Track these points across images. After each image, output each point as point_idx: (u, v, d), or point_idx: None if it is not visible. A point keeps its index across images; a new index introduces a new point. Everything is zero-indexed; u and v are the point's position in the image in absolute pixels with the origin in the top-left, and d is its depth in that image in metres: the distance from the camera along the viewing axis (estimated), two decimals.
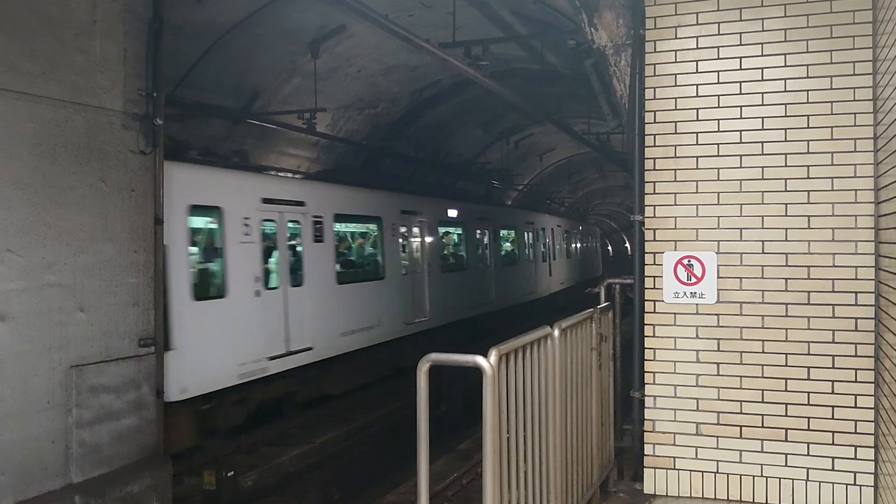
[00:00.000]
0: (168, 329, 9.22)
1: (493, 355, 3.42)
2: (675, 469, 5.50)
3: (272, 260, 11.78)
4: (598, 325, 5.46)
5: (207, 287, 10.54)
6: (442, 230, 18.64)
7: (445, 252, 19.08)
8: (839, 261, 5.13)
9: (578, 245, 35.13)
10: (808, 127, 5.19)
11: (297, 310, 12.15)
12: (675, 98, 5.51)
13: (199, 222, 10.55)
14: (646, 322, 5.59)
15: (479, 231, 20.79)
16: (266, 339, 11.36)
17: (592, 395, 5.31)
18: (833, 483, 5.14)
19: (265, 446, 11.67)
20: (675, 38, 5.51)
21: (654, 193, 5.56)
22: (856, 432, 5.09)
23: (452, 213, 18.95)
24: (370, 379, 14.75)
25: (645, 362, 5.59)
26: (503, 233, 22.85)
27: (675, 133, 5.50)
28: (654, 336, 5.55)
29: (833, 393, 5.14)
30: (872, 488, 5.04)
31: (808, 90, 5.20)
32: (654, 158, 5.56)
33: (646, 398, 5.59)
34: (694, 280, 5.42)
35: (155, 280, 7.64)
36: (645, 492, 5.58)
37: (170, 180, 8.73)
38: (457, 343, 17.50)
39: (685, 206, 5.47)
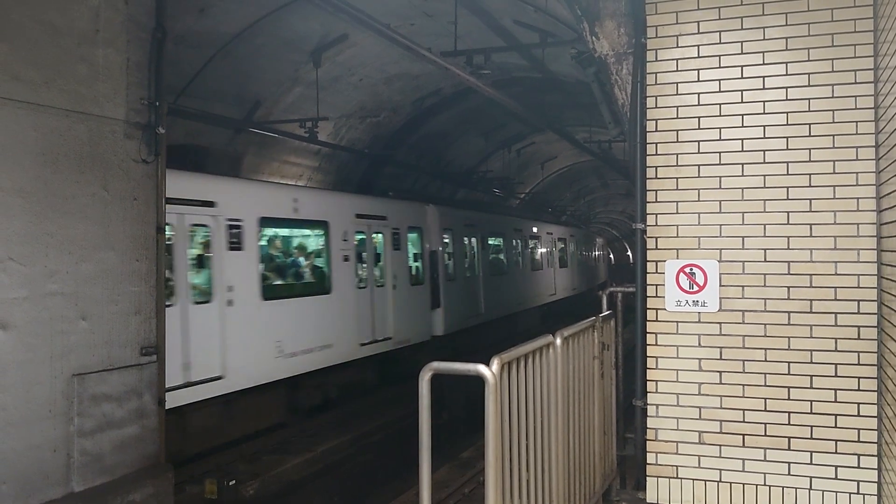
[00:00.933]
0: (439, 296, 18.10)
1: (495, 364, 3.42)
2: (677, 478, 5.49)
3: (467, 259, 20.58)
4: (600, 334, 5.46)
5: (449, 273, 19.05)
6: (531, 242, 26.89)
7: (533, 256, 27.24)
8: (841, 269, 5.13)
9: (594, 253, 42.66)
10: (810, 135, 5.20)
11: (477, 288, 21.02)
12: (677, 107, 5.51)
13: (446, 238, 19.03)
14: (648, 330, 5.58)
15: (550, 242, 29.52)
16: (471, 304, 20.40)
17: (595, 404, 5.31)
18: (836, 492, 5.12)
19: (267, 455, 11.66)
20: (677, 46, 5.52)
21: (656, 202, 5.56)
22: (859, 441, 5.07)
23: (534, 228, 27.49)
24: (519, 330, 23.55)
25: (647, 371, 5.58)
26: (559, 243, 31.48)
27: (677, 141, 5.51)
28: (656, 344, 5.54)
29: (836, 401, 5.13)
30: (876, 497, 5.02)
31: (809, 98, 5.20)
32: (656, 167, 5.57)
33: (648, 407, 5.58)
34: (696, 288, 5.42)
35: (157, 288, 7.63)
36: (648, 501, 5.56)
37: (433, 216, 18.24)
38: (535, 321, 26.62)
39: (687, 214, 5.47)
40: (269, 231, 12.71)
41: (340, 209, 14.43)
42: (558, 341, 4.37)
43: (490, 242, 22.81)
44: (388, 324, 15.67)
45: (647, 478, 5.58)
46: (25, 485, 6.39)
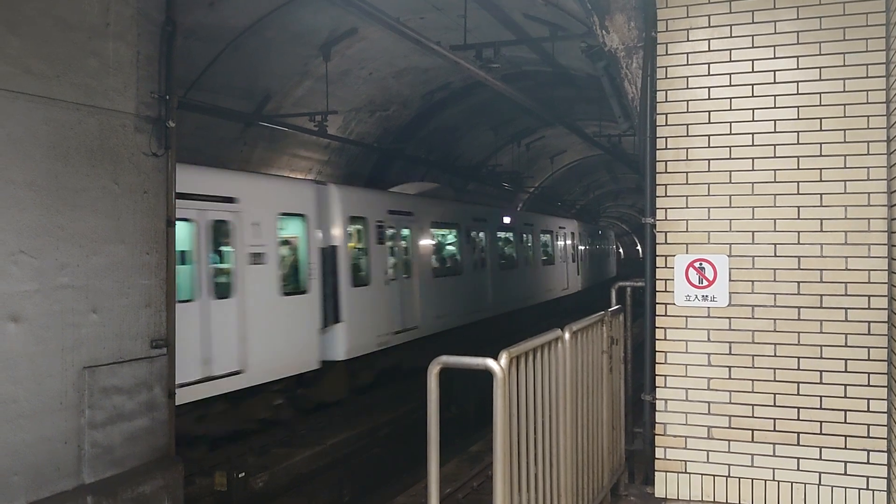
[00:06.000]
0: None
1: (504, 358, 3.42)
2: (686, 473, 5.48)
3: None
4: (609, 328, 5.45)
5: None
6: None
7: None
8: (852, 264, 5.11)
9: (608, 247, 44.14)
10: (821, 129, 5.17)
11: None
12: (687, 101, 5.49)
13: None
14: (657, 325, 5.57)
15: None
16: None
17: (603, 398, 5.31)
18: (845, 487, 5.11)
19: (276, 447, 11.70)
20: (687, 40, 5.50)
21: (666, 196, 5.55)
22: (868, 436, 5.06)
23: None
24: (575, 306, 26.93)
25: (656, 365, 5.57)
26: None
27: (687, 136, 5.49)
28: (665, 339, 5.54)
29: (846, 397, 5.11)
30: (885, 493, 5.01)
31: (820, 93, 5.18)
32: (666, 161, 5.55)
33: (657, 401, 5.57)
34: (706, 283, 5.41)
35: (167, 282, 7.66)
36: (656, 495, 5.56)
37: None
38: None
39: (697, 208, 5.45)
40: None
41: None
42: (567, 335, 4.37)
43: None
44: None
45: (656, 472, 5.58)
46: (37, 476, 6.44)
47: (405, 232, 16.19)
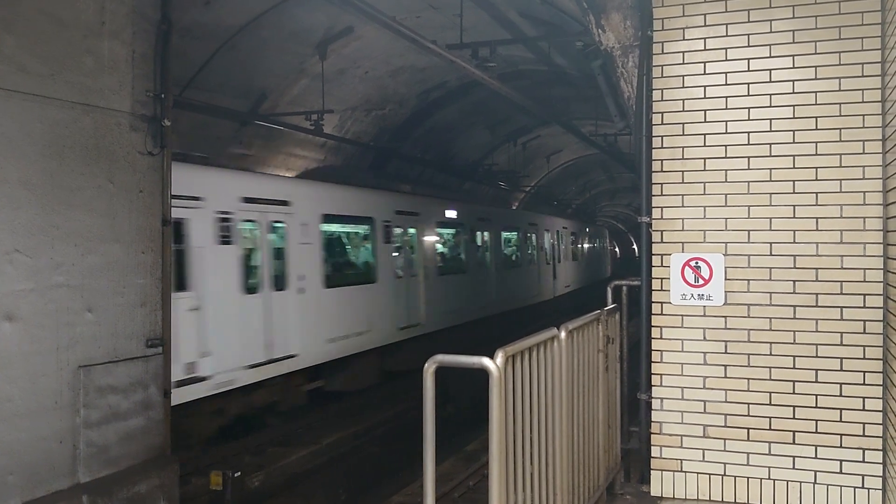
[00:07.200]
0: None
1: (500, 357, 3.42)
2: (682, 471, 5.49)
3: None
4: (605, 327, 5.45)
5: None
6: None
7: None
8: (847, 263, 5.11)
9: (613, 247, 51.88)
10: (817, 128, 5.17)
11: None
12: (683, 100, 5.49)
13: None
14: (653, 324, 5.57)
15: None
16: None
17: (599, 397, 5.31)
18: (841, 486, 5.12)
19: (272, 447, 11.69)
20: (683, 39, 5.50)
21: (662, 195, 5.55)
22: (864, 435, 5.07)
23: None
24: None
25: (652, 364, 5.57)
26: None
27: (683, 135, 5.49)
28: (661, 338, 5.54)
29: (841, 395, 5.12)
30: (881, 491, 5.02)
31: (816, 91, 5.18)
32: (662, 160, 5.55)
33: (653, 400, 5.57)
34: (701, 282, 5.41)
35: (163, 281, 7.65)
36: (652, 494, 5.56)
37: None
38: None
39: (692, 207, 5.45)
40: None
41: None
42: (563, 334, 4.37)
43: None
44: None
45: (652, 471, 5.58)
46: (32, 476, 6.42)
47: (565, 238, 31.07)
